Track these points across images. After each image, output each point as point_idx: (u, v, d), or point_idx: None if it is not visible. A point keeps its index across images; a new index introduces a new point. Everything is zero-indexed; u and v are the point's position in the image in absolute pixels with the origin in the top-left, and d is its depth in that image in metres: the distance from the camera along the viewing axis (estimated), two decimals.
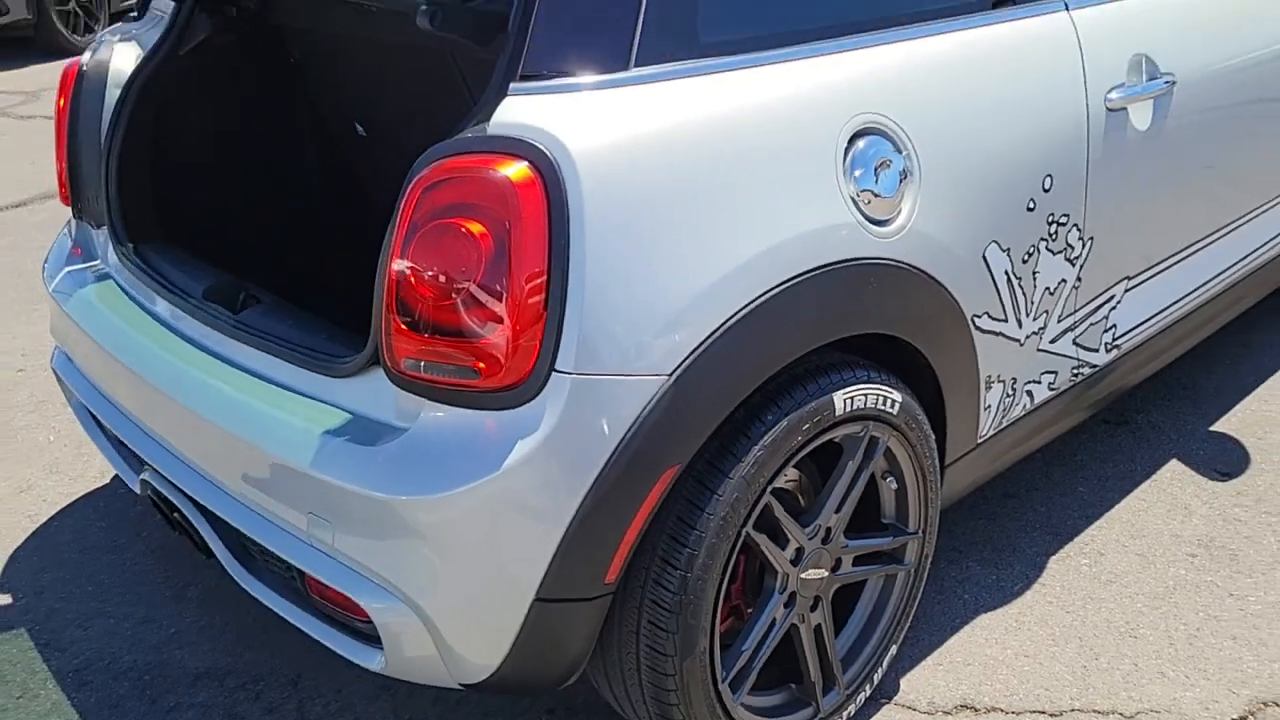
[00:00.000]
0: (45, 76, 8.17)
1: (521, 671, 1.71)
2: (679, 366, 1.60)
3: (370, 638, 1.78)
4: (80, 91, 2.40)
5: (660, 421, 1.60)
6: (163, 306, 2.18)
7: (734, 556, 1.75)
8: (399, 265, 1.59)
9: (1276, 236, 3.01)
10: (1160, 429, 2.98)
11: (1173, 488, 2.73)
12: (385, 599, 1.67)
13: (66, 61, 2.51)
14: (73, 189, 2.43)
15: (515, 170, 1.53)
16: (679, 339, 1.60)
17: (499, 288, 1.54)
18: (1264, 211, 2.90)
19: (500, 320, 1.54)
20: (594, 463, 1.58)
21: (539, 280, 1.53)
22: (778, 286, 1.68)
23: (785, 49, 1.79)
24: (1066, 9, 2.22)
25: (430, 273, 1.57)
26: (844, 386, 1.82)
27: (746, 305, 1.65)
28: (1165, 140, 2.41)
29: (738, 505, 1.71)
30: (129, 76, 2.40)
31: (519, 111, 1.58)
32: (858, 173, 1.80)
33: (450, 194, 1.56)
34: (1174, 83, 2.39)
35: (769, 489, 1.76)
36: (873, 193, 1.81)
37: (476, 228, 1.54)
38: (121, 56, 2.43)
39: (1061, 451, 2.89)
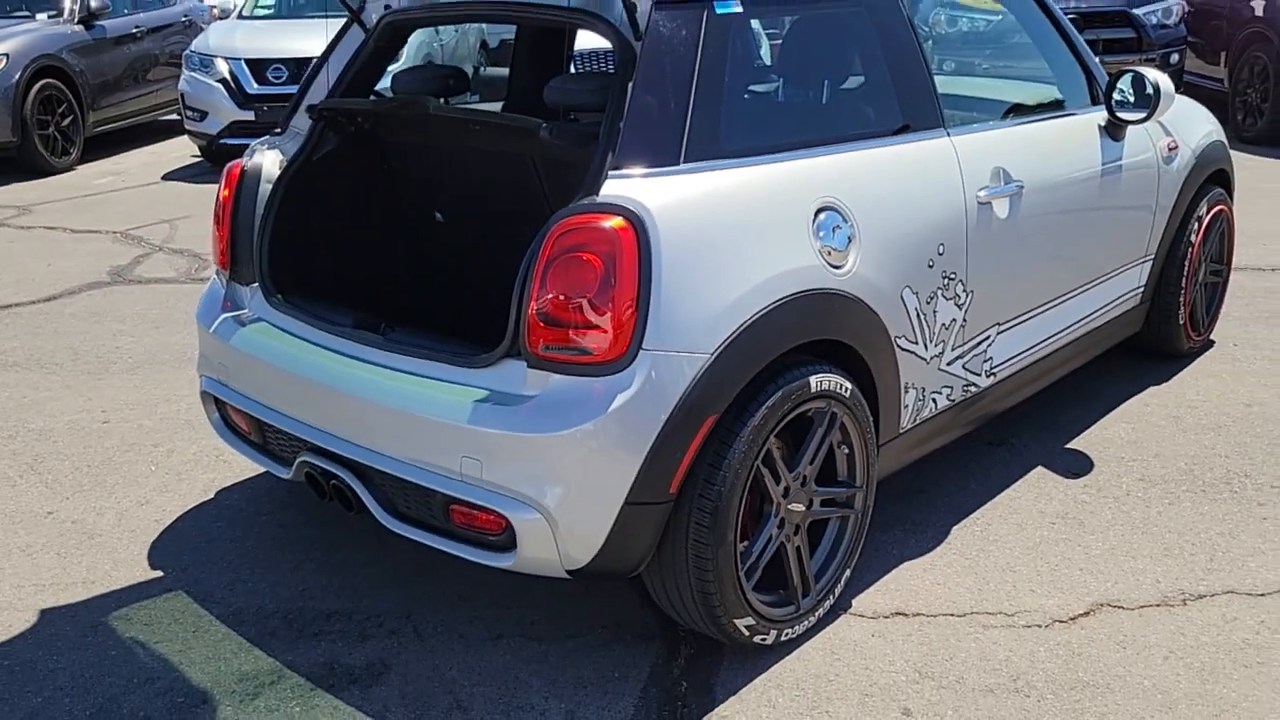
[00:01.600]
0: (32, 193, 8.89)
1: (609, 560, 2.55)
2: (718, 348, 2.51)
3: (499, 546, 2.60)
4: (241, 186, 3.26)
5: (706, 383, 2.50)
6: (318, 335, 3.01)
7: (748, 484, 2.63)
8: (540, 285, 2.48)
9: (1105, 306, 4.06)
10: (1029, 447, 3.96)
11: (1038, 484, 3.69)
12: (525, 511, 2.50)
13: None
14: (232, 256, 3.26)
15: (618, 223, 2.45)
16: (717, 331, 2.52)
17: (609, 296, 2.43)
18: (1094, 286, 3.95)
19: (609, 317, 2.43)
20: (665, 408, 2.47)
21: (633, 291, 2.44)
22: (775, 303, 2.61)
23: (775, 154, 2.77)
24: (947, 135, 3.25)
25: (563, 288, 2.46)
26: (815, 374, 2.74)
27: (757, 312, 2.58)
28: (1018, 226, 3.43)
29: (751, 445, 2.60)
30: (277, 176, 3.27)
31: (615, 188, 2.51)
32: (821, 234, 2.76)
33: (576, 238, 2.46)
34: (1023, 187, 3.43)
35: (771, 436, 2.65)
36: (832, 247, 2.77)
37: (594, 259, 2.44)
38: (269, 161, 3.31)
39: (955, 460, 3.84)
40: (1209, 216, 4.54)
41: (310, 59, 9.09)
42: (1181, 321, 4.53)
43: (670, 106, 2.62)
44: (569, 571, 2.59)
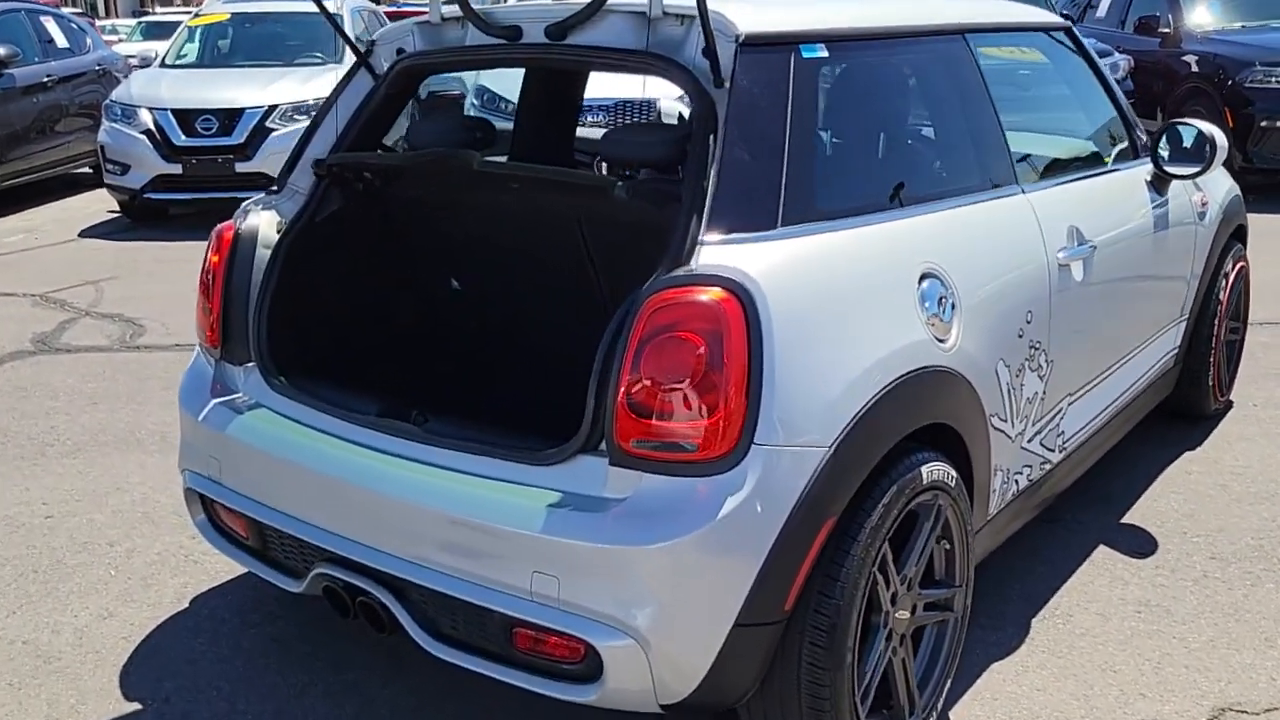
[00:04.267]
0: None
1: (711, 691, 2.17)
2: (836, 439, 2.16)
3: (578, 677, 2.20)
4: (235, 252, 2.83)
5: (825, 481, 2.15)
6: (334, 424, 2.59)
7: (866, 594, 2.28)
8: (631, 369, 2.11)
9: (1150, 369, 3.83)
10: (1084, 523, 3.68)
11: (1108, 565, 3.41)
12: (614, 636, 2.11)
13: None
14: (224, 332, 2.82)
15: (721, 295, 2.10)
16: (835, 418, 2.17)
17: (715, 381, 2.07)
18: (1143, 349, 3.71)
19: (717, 406, 2.07)
20: (782, 513, 2.11)
21: (742, 375, 2.08)
22: (891, 384, 2.28)
23: (871, 215, 2.45)
24: (1023, 193, 2.98)
25: (659, 372, 2.09)
26: (926, 463, 2.41)
27: (874, 396, 2.24)
28: (1090, 290, 3.17)
29: (869, 549, 2.25)
30: (276, 241, 2.85)
31: (714, 256, 2.16)
32: (927, 304, 2.44)
33: (673, 314, 2.10)
34: (1095, 248, 3.17)
35: (886, 538, 2.31)
36: (938, 318, 2.45)
37: (696, 338, 2.09)
38: (266, 223, 2.89)
39: (1014, 541, 3.54)
40: (1234, 273, 4.38)
41: (243, 109, 8.62)
42: (1211, 382, 4.33)
43: (764, 162, 2.29)
44: (663, 706, 2.20)
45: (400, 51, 2.95)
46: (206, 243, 2.94)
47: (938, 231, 2.57)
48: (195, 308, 2.97)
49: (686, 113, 4.65)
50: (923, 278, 2.46)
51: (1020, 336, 2.80)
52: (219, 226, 2.92)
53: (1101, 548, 3.52)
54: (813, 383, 2.15)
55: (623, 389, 2.12)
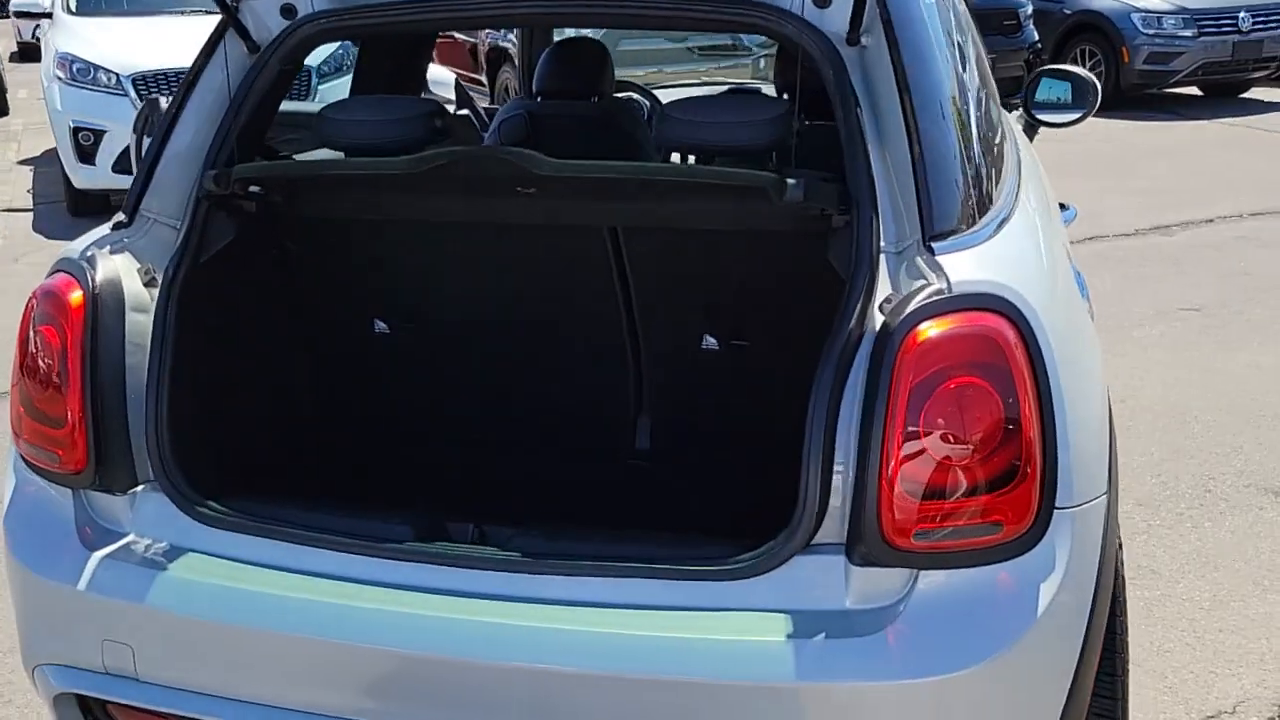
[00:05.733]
0: None
1: None
2: (1109, 482, 1.72)
3: None
4: (95, 323, 1.84)
5: (1109, 539, 1.70)
6: (330, 561, 1.75)
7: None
8: (903, 435, 1.53)
9: None
10: None
11: None
12: None
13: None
14: (96, 446, 1.84)
15: (1003, 323, 1.56)
16: (1103, 456, 1.72)
17: (1016, 435, 1.55)
18: None
19: (1021, 467, 1.55)
20: (1087, 593, 1.64)
21: (1038, 421, 1.57)
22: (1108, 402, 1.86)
23: (1013, 203, 1.99)
24: None
25: (949, 435, 1.53)
26: None
27: (1110, 420, 1.81)
28: None
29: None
30: (159, 297, 1.90)
31: (965, 268, 1.61)
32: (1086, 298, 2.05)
33: (946, 354, 1.54)
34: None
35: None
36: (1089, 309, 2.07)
37: (985, 383, 1.54)
38: (127, 275, 1.92)
39: None
40: None
41: None
42: None
43: (944, 141, 1.77)
44: None
45: (289, 11, 2.06)
46: (29, 312, 1.92)
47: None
48: (14, 413, 1.94)
49: None
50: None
51: None
52: (49, 286, 1.90)
53: None
54: (1083, 416, 1.68)
55: (892, 462, 1.54)
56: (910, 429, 1.53)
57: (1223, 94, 10.35)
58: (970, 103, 1.95)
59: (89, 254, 1.91)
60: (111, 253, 1.93)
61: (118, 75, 6.72)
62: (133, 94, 6.64)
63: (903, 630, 1.55)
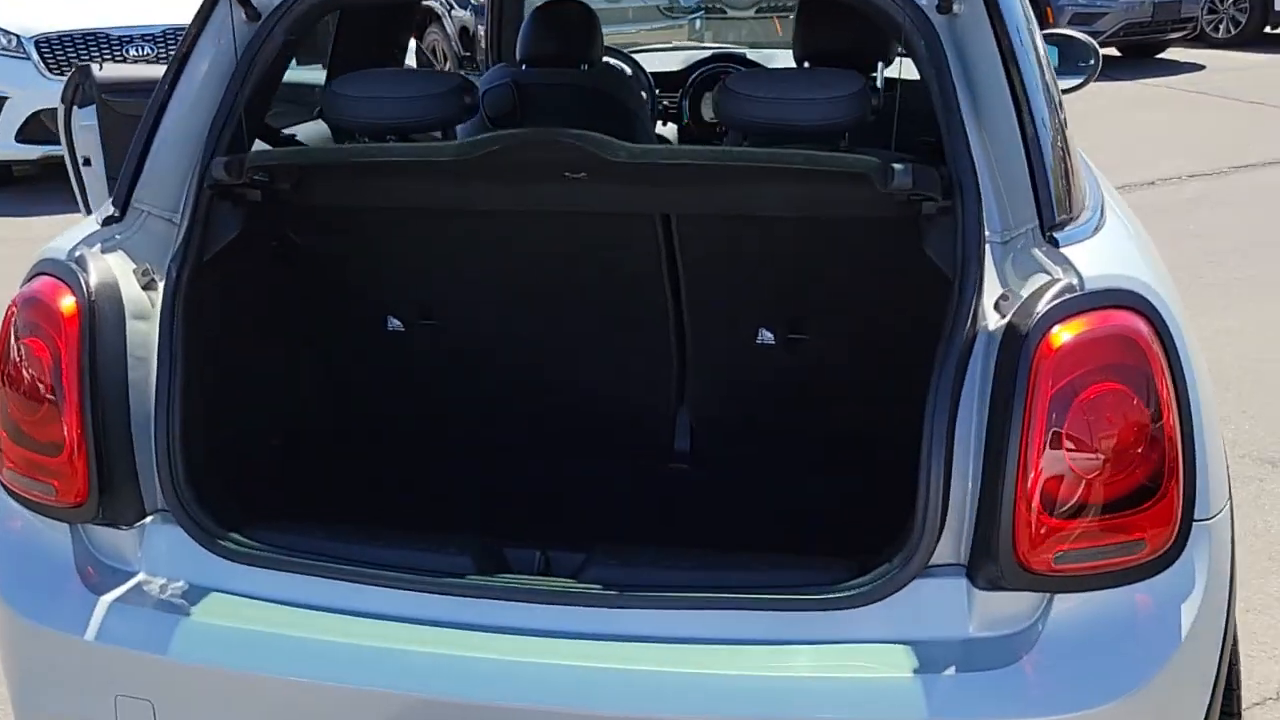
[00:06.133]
0: None
1: None
2: (1229, 489, 1.61)
3: None
4: (93, 334, 1.60)
5: (1234, 547, 1.59)
6: (389, 599, 1.56)
7: None
8: (1045, 447, 1.39)
9: None
10: None
11: None
12: None
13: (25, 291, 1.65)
14: (99, 473, 1.60)
15: (1139, 322, 1.43)
16: (1222, 458, 1.60)
17: (1158, 444, 1.42)
18: None
19: (1165, 478, 1.42)
20: (1225, 598, 1.53)
21: (1177, 427, 1.44)
22: None
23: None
24: None
25: (1086, 447, 1.40)
26: None
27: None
28: None
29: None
30: (162, 302, 1.67)
31: (1090, 261, 1.48)
32: None
33: (1082, 360, 1.40)
34: None
35: None
36: None
37: (1126, 387, 1.41)
38: (124, 279, 1.67)
39: None
40: None
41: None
42: None
43: (1050, 120, 1.63)
44: None
45: None
46: (7, 322, 1.67)
47: None
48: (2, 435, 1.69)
49: None
50: None
51: None
52: (32, 292, 1.65)
53: None
54: (1209, 418, 1.56)
55: (1030, 478, 1.39)
56: (1050, 441, 1.39)
57: (1140, 55, 10.49)
58: (1051, 77, 1.81)
59: (78, 254, 1.66)
60: (104, 252, 1.69)
61: (18, 37, 6.23)
62: (35, 57, 6.17)
63: (1041, 660, 1.42)
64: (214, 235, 1.76)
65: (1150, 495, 1.42)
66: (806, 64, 2.39)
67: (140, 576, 1.64)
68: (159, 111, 1.77)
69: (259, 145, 1.90)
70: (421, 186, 1.88)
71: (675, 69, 3.42)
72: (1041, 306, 1.42)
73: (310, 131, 2.32)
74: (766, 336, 1.95)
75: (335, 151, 1.78)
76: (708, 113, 3.29)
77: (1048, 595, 1.44)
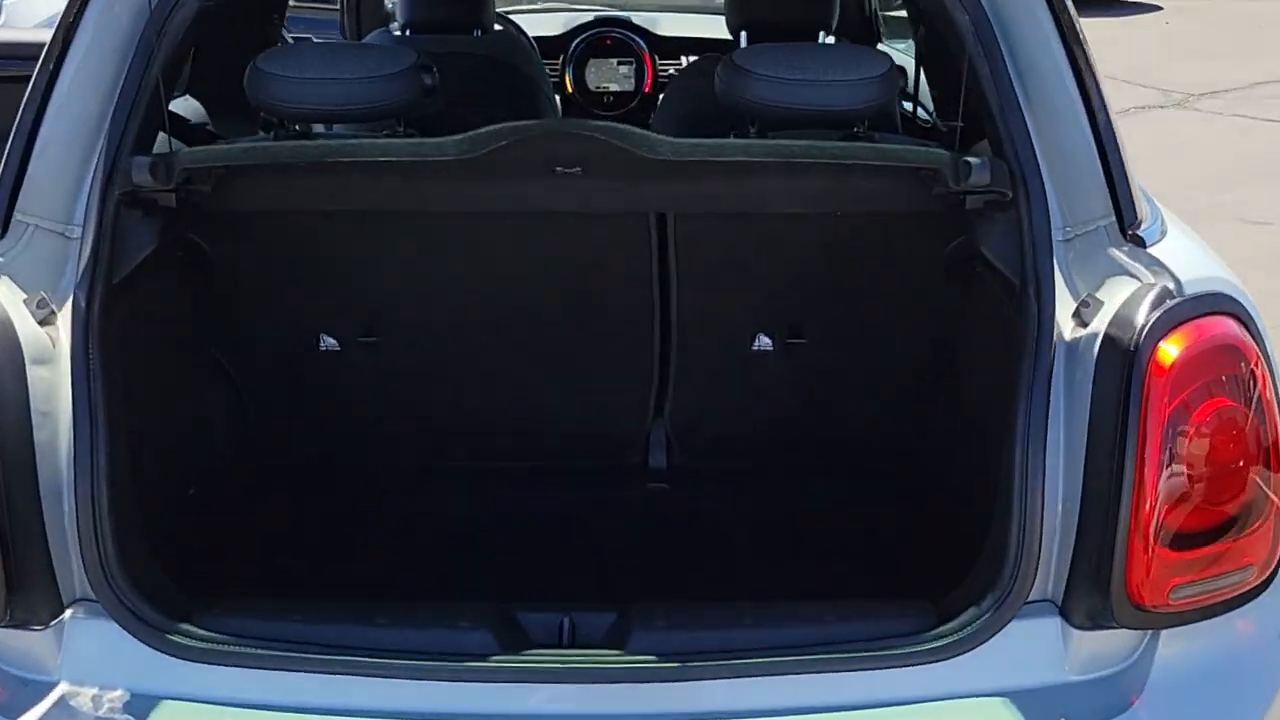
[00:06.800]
0: None
1: None
2: None
3: None
4: None
5: None
6: (388, 692, 1.28)
7: None
8: (1163, 473, 1.25)
9: None
10: None
11: None
12: None
13: None
14: (3, 565, 1.26)
15: (1240, 330, 1.32)
16: None
17: (1264, 460, 1.31)
18: None
19: (1270, 497, 1.32)
20: None
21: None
22: None
23: None
24: None
25: (1203, 470, 1.27)
26: None
27: None
28: None
29: None
30: (74, 341, 1.32)
31: (1181, 263, 1.35)
32: None
33: (1193, 375, 1.27)
34: None
35: None
36: None
37: (1235, 403, 1.29)
38: (18, 313, 1.31)
39: None
40: None
41: None
42: None
43: (1109, 106, 1.50)
44: None
45: None
46: None
47: None
48: None
49: None
50: None
51: None
52: None
53: None
54: None
55: (1146, 507, 1.26)
56: (1167, 465, 1.26)
57: None
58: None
59: None
60: None
61: None
62: None
63: (1157, 702, 1.30)
64: (124, 251, 1.41)
65: (1258, 516, 1.31)
66: (744, 34, 2.20)
67: (63, 687, 1.29)
68: (43, 98, 1.40)
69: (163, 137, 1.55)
70: (370, 186, 1.58)
71: (554, 33, 3.16)
72: (1143, 317, 1.28)
73: (184, 107, 1.96)
74: (764, 342, 1.76)
75: (302, 149, 1.44)
76: (594, 81, 3.10)
77: (1144, 634, 1.32)
